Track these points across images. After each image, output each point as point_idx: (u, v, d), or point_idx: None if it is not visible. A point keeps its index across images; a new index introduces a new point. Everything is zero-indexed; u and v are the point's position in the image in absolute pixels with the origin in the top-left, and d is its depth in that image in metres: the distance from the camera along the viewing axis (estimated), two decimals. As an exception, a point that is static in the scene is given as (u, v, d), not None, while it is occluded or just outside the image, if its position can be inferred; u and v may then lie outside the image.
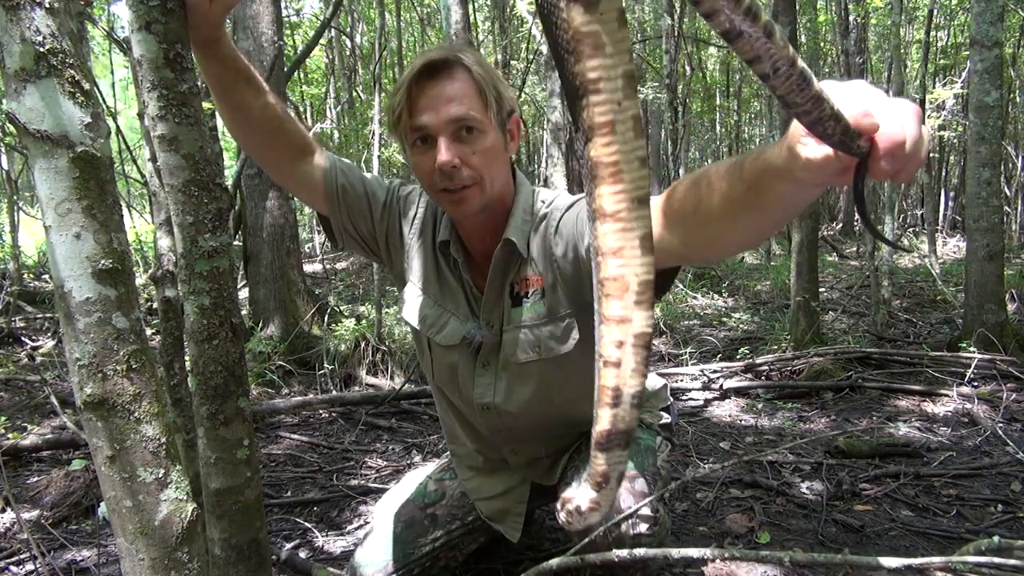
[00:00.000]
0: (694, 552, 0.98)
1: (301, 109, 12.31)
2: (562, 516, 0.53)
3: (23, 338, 4.73)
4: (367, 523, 2.12)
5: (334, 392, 3.67)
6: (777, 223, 0.79)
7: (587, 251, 1.18)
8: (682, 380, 3.67)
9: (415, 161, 1.20)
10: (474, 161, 1.17)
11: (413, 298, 1.40)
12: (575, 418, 1.44)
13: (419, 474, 1.75)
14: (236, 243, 4.48)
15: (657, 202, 0.89)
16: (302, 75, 11.31)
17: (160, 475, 0.84)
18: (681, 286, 7.10)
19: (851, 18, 8.80)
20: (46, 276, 6.48)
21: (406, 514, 1.59)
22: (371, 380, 3.93)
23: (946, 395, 3.17)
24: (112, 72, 9.56)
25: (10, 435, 2.77)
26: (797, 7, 4.99)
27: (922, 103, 8.61)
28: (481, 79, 1.17)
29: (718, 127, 17.55)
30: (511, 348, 1.31)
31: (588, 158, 0.39)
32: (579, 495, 0.50)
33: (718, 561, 1.73)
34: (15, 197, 6.22)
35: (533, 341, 1.30)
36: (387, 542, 1.54)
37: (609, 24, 0.36)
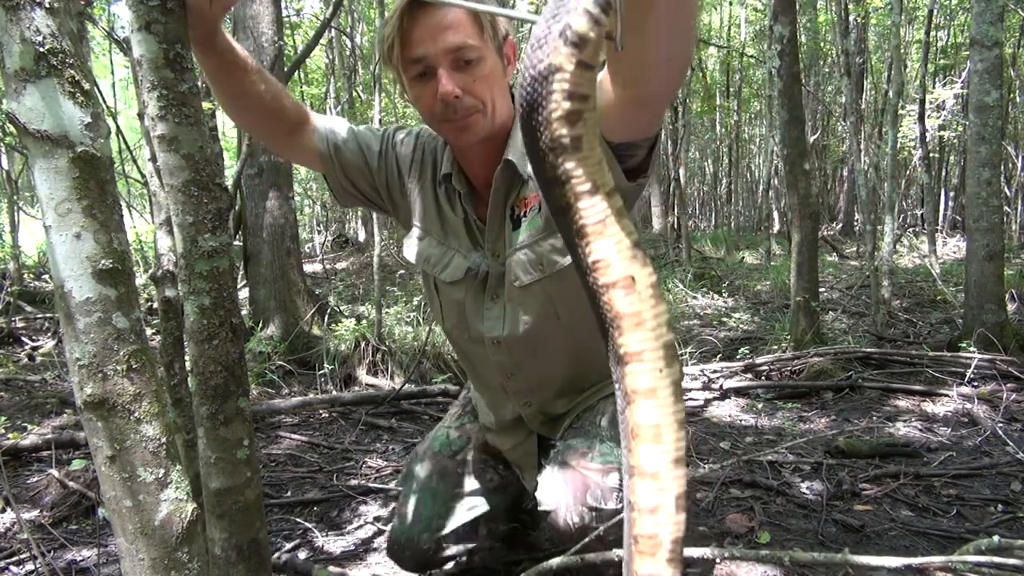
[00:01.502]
0: (694, 552, 0.98)
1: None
2: None
3: (23, 338, 4.73)
4: (367, 523, 2.12)
5: (334, 392, 3.67)
6: (674, 15, 0.74)
7: None
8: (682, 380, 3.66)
9: (415, 94, 1.19)
10: (476, 89, 1.15)
11: (415, 240, 1.39)
12: (584, 349, 1.41)
13: (434, 431, 1.68)
14: (236, 243, 4.48)
15: (605, 70, 0.88)
16: (302, 75, 11.31)
17: (160, 475, 0.84)
18: (681, 286, 7.10)
19: (851, 18, 8.80)
20: (46, 276, 6.48)
21: (436, 466, 1.55)
22: (371, 380, 3.93)
23: (946, 395, 3.17)
24: (112, 72, 9.55)
25: (10, 435, 2.77)
26: (797, 7, 4.99)
27: (922, 103, 8.61)
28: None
29: (718, 127, 17.54)
30: (514, 272, 1.29)
31: (627, 420, 0.42)
32: None
33: (718, 561, 1.73)
34: (15, 197, 6.22)
35: (535, 259, 1.28)
36: (426, 498, 1.50)
37: (647, 301, 0.41)
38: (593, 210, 0.40)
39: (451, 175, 1.31)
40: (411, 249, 1.40)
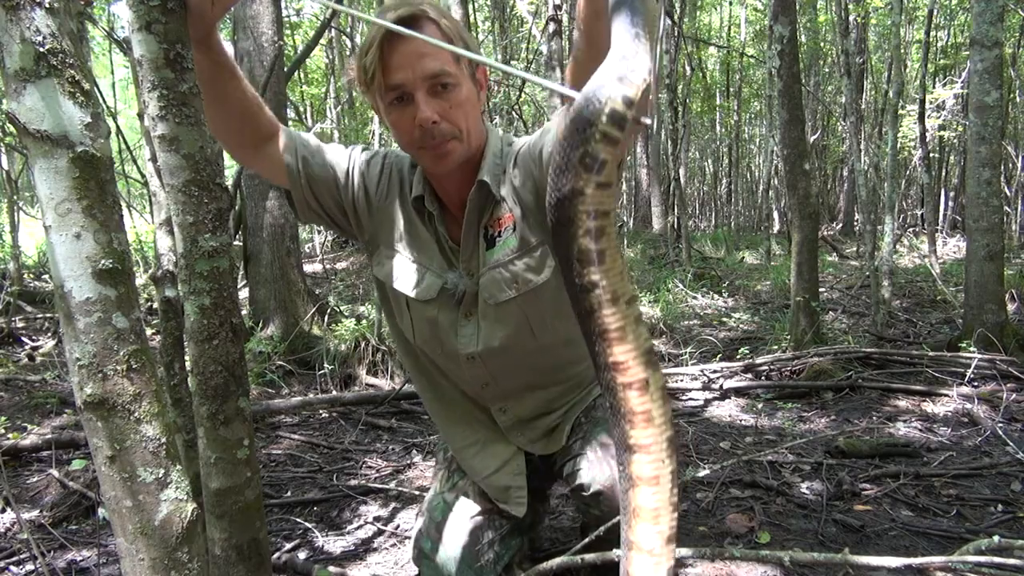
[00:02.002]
0: (694, 552, 0.98)
1: (301, 109, 12.31)
2: None
3: (23, 338, 4.72)
4: (367, 523, 2.12)
5: (334, 392, 3.67)
6: None
7: (538, 164, 1.20)
8: (682, 380, 3.67)
9: (393, 119, 1.20)
10: (452, 115, 1.18)
11: (385, 259, 1.39)
12: (559, 359, 1.44)
13: (428, 502, 1.59)
14: (236, 243, 4.48)
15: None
16: (302, 75, 11.32)
17: (160, 475, 0.84)
18: (681, 286, 7.10)
19: (851, 18, 8.80)
20: (46, 276, 6.48)
21: (445, 532, 1.48)
22: (371, 380, 3.93)
23: (946, 395, 3.17)
24: (112, 72, 9.56)
25: (10, 435, 2.77)
26: (797, 7, 4.99)
27: (922, 103, 8.61)
28: (449, 31, 1.18)
29: (718, 127, 17.55)
30: (489, 290, 1.31)
31: (630, 501, 0.49)
32: None
33: (718, 561, 1.74)
34: (15, 197, 6.22)
35: (509, 278, 1.30)
36: (450, 570, 1.42)
37: (657, 401, 0.47)
38: (614, 317, 0.46)
39: (423, 197, 1.33)
40: (382, 268, 1.40)
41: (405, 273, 1.37)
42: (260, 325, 4.36)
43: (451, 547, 1.43)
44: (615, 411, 0.49)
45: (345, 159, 1.38)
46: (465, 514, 1.46)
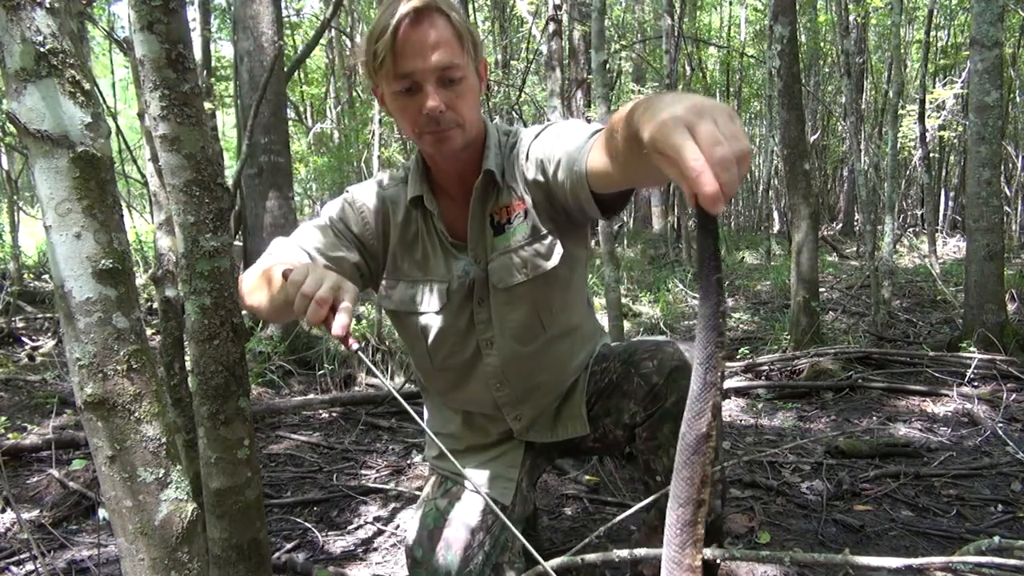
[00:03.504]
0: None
1: (301, 109, 12.31)
2: None
3: (23, 338, 4.72)
4: (367, 523, 2.12)
5: (334, 392, 3.66)
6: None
7: (553, 174, 1.24)
8: (682, 380, 3.66)
9: (399, 105, 1.24)
10: (458, 105, 1.23)
11: (388, 290, 1.42)
12: (564, 355, 1.47)
13: (420, 509, 1.56)
14: (236, 243, 4.48)
15: (601, 141, 1.02)
16: (302, 75, 11.31)
17: (160, 475, 0.84)
18: (681, 286, 7.10)
19: (851, 18, 8.80)
20: (46, 276, 6.47)
21: (438, 539, 1.46)
22: (371, 380, 3.93)
23: (946, 395, 3.17)
24: (112, 72, 9.55)
25: (10, 435, 2.77)
26: (797, 7, 4.99)
27: (922, 103, 8.61)
28: (459, 24, 1.22)
29: (718, 127, 17.49)
30: (499, 274, 1.35)
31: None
32: None
33: (718, 561, 1.73)
34: (15, 197, 6.22)
35: (520, 263, 1.34)
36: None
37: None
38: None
39: (422, 197, 1.36)
40: (389, 300, 1.43)
41: (409, 295, 1.40)
42: (260, 325, 4.36)
43: (443, 554, 1.43)
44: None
45: (331, 237, 1.38)
46: (457, 520, 1.46)
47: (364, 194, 1.42)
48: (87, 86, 0.78)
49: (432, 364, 1.46)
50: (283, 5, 5.96)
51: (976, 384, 3.32)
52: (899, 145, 8.38)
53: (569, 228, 1.37)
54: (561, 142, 1.23)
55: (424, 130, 1.23)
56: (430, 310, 1.39)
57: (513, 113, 8.76)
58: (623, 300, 5.95)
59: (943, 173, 14.10)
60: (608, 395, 1.49)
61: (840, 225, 15.30)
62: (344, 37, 10.88)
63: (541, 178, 1.29)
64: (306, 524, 2.08)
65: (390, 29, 1.16)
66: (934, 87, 11.50)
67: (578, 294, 1.49)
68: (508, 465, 1.51)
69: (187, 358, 1.26)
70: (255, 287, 1.18)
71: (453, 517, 1.45)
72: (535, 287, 1.36)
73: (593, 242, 5.11)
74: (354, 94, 11.30)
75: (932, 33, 10.13)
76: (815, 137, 13.89)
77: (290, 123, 7.42)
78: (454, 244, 1.38)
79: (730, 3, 15.78)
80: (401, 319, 1.44)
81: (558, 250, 1.34)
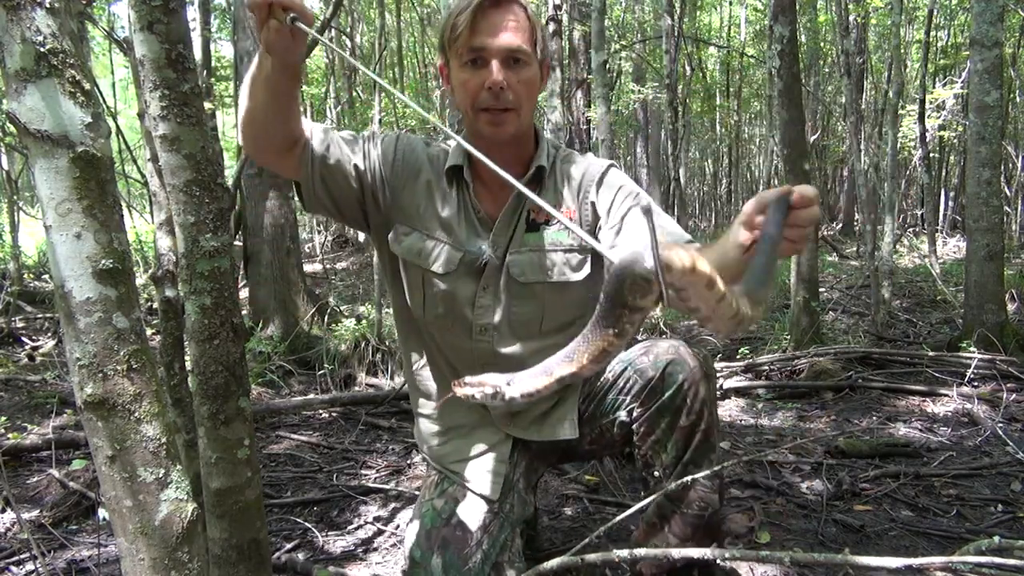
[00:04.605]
0: (694, 552, 0.98)
1: (301, 109, 12.28)
2: None
3: (23, 338, 4.73)
4: (367, 523, 2.12)
5: (334, 392, 3.66)
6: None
7: (608, 210, 1.35)
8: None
9: (463, 78, 1.30)
10: (518, 88, 1.29)
11: (403, 236, 1.43)
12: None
13: (418, 510, 1.54)
14: (236, 243, 4.48)
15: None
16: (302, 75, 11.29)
17: (160, 475, 0.84)
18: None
19: (851, 18, 8.79)
20: (46, 276, 6.48)
21: (436, 540, 1.45)
22: (371, 380, 3.93)
23: (946, 395, 3.17)
24: (112, 72, 9.56)
25: (10, 435, 2.77)
26: (797, 7, 4.99)
27: (922, 103, 8.61)
28: (533, 18, 1.31)
29: (718, 127, 17.53)
30: (520, 267, 1.38)
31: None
32: None
33: (718, 561, 1.73)
34: (15, 197, 6.22)
35: (548, 264, 1.39)
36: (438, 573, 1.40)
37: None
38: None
39: (462, 168, 1.39)
40: (399, 245, 1.44)
41: (424, 247, 1.41)
42: (260, 325, 4.36)
43: (441, 554, 1.42)
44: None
45: (359, 148, 1.42)
46: (454, 519, 1.45)
47: (409, 140, 1.47)
48: (87, 86, 0.78)
49: (424, 314, 1.46)
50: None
51: (976, 384, 3.32)
52: (899, 145, 8.38)
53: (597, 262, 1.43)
54: (628, 218, 1.33)
55: (481, 105, 1.29)
56: (437, 270, 1.41)
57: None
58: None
59: (943, 173, 14.09)
60: (603, 393, 1.50)
61: (840, 225, 15.30)
62: (344, 37, 10.88)
63: (598, 207, 1.38)
64: (306, 524, 2.08)
65: (472, 6, 1.25)
66: (934, 87, 11.50)
67: (584, 308, 1.49)
68: (497, 460, 1.50)
69: (187, 358, 1.26)
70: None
71: (450, 517, 1.45)
72: (552, 290, 1.39)
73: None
74: (354, 94, 11.30)
75: (932, 33, 10.13)
76: (815, 137, 13.89)
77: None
78: (480, 220, 1.41)
79: (730, 3, 15.78)
80: (406, 266, 1.45)
81: (586, 270, 1.40)
